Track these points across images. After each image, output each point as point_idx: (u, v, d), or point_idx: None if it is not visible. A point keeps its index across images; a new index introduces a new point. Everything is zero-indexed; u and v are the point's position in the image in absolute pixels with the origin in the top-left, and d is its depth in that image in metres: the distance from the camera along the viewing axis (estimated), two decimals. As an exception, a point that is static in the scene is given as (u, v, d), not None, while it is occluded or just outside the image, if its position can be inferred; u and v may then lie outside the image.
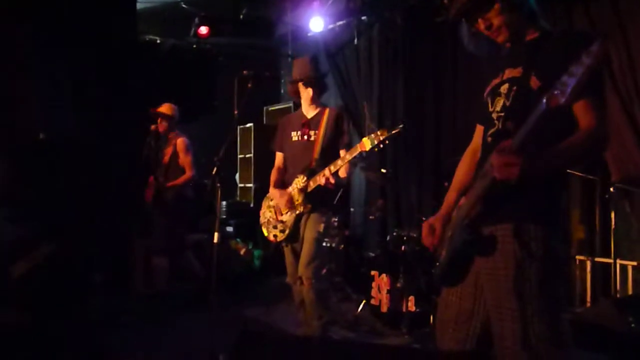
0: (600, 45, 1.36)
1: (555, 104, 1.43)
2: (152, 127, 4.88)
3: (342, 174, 3.25)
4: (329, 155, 3.26)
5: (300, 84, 3.43)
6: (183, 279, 5.00)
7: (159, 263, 4.93)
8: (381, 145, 2.88)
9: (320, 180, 3.12)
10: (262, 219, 3.52)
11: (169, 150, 4.89)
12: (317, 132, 3.36)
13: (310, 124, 3.43)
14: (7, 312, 3.45)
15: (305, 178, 3.28)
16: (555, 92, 1.42)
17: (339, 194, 3.62)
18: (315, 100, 3.47)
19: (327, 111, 3.43)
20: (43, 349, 3.27)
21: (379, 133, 2.87)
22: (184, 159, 4.84)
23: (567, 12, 4.26)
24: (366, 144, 2.90)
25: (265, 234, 3.47)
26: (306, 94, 3.44)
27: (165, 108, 4.90)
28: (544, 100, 1.46)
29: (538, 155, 1.61)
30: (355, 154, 3.00)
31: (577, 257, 4.34)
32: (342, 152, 3.26)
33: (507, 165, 1.57)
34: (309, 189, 3.23)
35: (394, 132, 2.87)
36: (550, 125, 1.54)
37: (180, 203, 4.84)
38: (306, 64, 3.44)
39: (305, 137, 3.39)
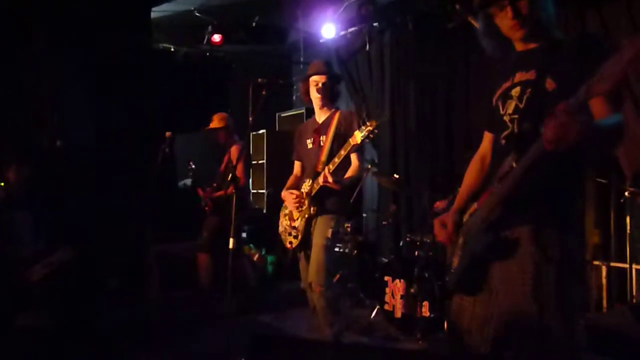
0: None
1: (598, 91, 1.41)
2: (167, 134, 4.92)
3: (350, 173, 3.23)
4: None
5: (312, 88, 3.39)
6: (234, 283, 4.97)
7: (202, 259, 4.91)
8: (371, 136, 2.89)
9: (320, 180, 3.11)
10: (280, 228, 3.50)
11: (225, 159, 4.97)
12: (326, 136, 3.34)
13: (320, 130, 3.40)
14: (25, 316, 3.50)
15: (310, 181, 3.28)
16: (598, 80, 1.40)
17: (353, 196, 3.53)
18: (326, 104, 3.43)
19: (337, 114, 3.39)
20: (59, 353, 3.31)
21: (368, 124, 2.87)
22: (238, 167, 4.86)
23: (580, 14, 4.25)
24: (357, 136, 2.91)
25: (284, 242, 3.47)
26: (317, 97, 3.40)
27: (214, 122, 4.91)
28: (582, 90, 1.44)
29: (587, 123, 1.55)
30: (349, 148, 3.01)
31: (593, 262, 4.30)
32: (352, 156, 3.24)
33: (565, 126, 1.47)
34: (313, 192, 3.22)
35: (381, 120, 2.89)
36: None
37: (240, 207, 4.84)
38: (320, 64, 3.42)
39: (316, 143, 3.38)
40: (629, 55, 1.36)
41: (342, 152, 3.05)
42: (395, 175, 4.95)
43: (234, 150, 4.87)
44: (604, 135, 1.68)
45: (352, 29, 6.22)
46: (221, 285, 4.86)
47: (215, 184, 4.99)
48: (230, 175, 4.66)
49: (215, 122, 4.93)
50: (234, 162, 4.81)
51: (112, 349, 3.71)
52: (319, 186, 3.16)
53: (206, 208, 4.97)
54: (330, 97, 3.43)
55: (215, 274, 4.84)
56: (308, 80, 3.40)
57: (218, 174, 5.01)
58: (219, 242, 4.79)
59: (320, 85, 3.36)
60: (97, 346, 3.63)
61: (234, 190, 3.10)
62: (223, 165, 4.98)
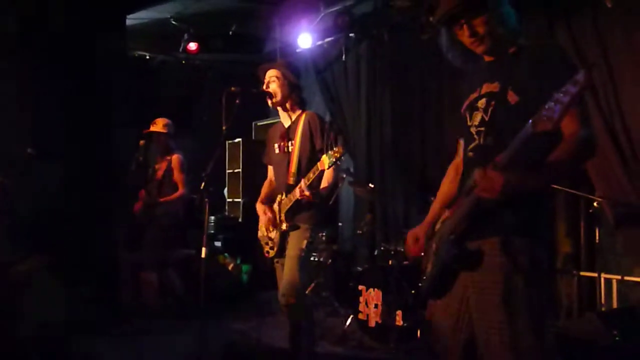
0: (585, 75, 1.40)
1: (542, 129, 1.46)
2: (141, 142, 4.86)
3: (325, 182, 3.13)
4: (309, 166, 3.09)
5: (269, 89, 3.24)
6: (165, 294, 4.97)
7: (147, 278, 4.87)
8: (338, 163, 2.82)
9: (297, 193, 3.02)
10: (259, 233, 3.39)
11: (162, 166, 4.83)
12: (293, 142, 3.20)
13: (286, 135, 3.27)
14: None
15: (284, 195, 3.17)
16: (543, 118, 1.45)
17: (329, 204, 3.42)
18: (290, 105, 3.25)
19: (303, 117, 3.23)
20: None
21: (335, 150, 2.78)
22: (178, 176, 4.77)
23: (549, 27, 4.33)
24: (325, 162, 2.82)
25: (263, 248, 3.39)
26: (276, 93, 3.22)
27: (157, 126, 4.83)
28: (530, 124, 1.49)
29: (526, 173, 1.64)
30: (317, 172, 2.92)
31: (563, 271, 4.38)
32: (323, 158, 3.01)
33: (490, 182, 1.60)
34: (287, 207, 3.12)
35: (346, 152, 2.83)
36: (536, 140, 1.57)
37: (170, 219, 4.79)
38: (278, 66, 3.29)
39: (284, 149, 3.26)
40: (569, 99, 1.40)
41: (311, 175, 2.94)
42: (370, 185, 4.97)
43: (175, 159, 4.79)
44: (556, 173, 1.76)
45: (329, 39, 6.26)
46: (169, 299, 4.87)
47: (148, 191, 4.83)
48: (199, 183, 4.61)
49: (160, 127, 4.81)
50: (177, 172, 4.77)
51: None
52: (294, 199, 3.06)
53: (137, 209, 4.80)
54: (289, 92, 3.23)
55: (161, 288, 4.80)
56: (265, 85, 3.26)
57: (154, 181, 4.85)
58: (160, 258, 4.75)
59: (272, 80, 3.23)
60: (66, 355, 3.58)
61: (206, 199, 3.04)
62: (160, 173, 4.83)
